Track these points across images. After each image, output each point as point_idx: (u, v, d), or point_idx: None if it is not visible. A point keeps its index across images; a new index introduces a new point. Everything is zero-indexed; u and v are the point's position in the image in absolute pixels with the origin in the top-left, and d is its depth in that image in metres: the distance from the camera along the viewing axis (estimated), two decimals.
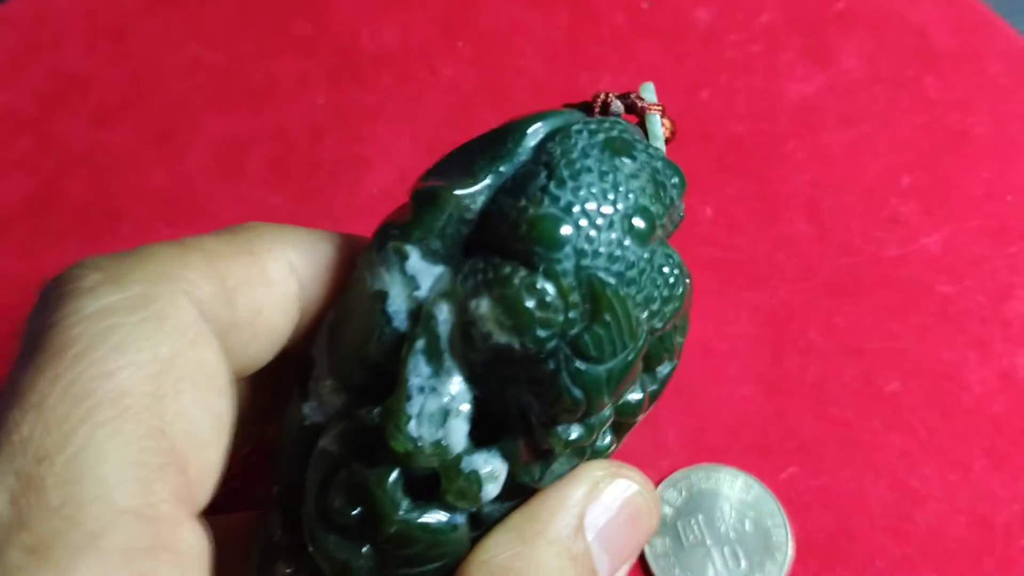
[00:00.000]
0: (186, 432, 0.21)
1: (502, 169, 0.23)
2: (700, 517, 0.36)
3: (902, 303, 0.40)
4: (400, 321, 0.23)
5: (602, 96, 0.26)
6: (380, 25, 0.49)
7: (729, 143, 0.44)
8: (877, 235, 0.41)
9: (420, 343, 0.23)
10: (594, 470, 0.25)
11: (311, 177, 0.45)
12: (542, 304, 0.22)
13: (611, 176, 0.23)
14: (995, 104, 0.44)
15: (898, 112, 0.44)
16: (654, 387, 0.26)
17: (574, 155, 0.23)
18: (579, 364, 0.22)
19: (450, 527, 0.24)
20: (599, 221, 0.22)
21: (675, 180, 0.24)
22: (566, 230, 0.22)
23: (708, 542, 0.35)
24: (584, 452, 0.25)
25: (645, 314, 0.23)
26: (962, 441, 0.37)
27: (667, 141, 0.26)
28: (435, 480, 0.23)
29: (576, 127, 0.24)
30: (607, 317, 0.22)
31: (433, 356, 0.23)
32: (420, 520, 0.23)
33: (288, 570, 0.25)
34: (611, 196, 0.22)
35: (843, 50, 0.46)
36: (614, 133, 0.24)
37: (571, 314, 0.22)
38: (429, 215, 0.23)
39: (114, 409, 0.20)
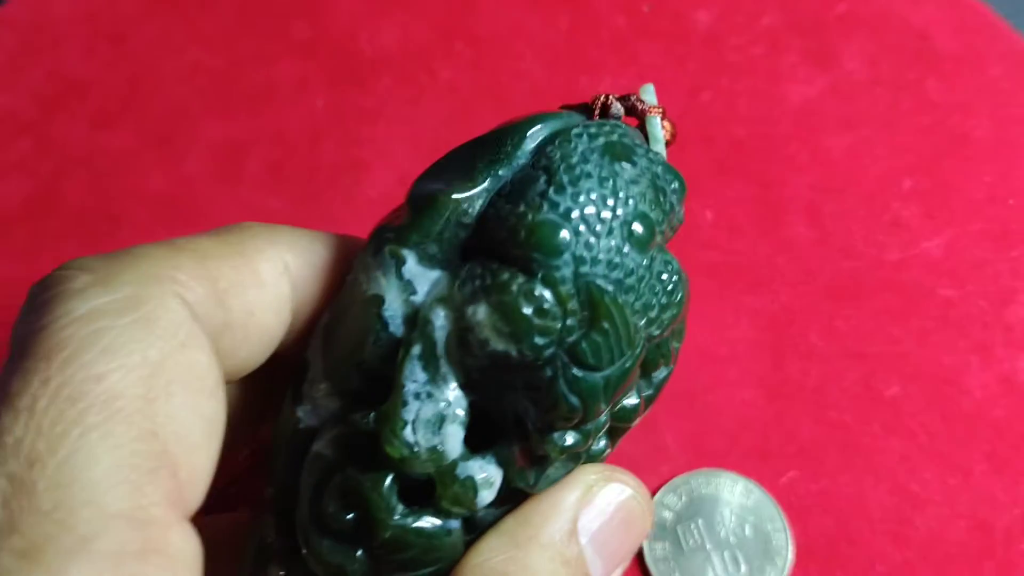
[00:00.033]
0: (177, 435, 0.21)
1: (501, 173, 0.23)
2: (700, 522, 0.36)
3: (903, 307, 0.39)
4: (396, 326, 0.23)
5: (602, 98, 0.26)
6: (379, 28, 0.49)
7: (730, 146, 0.44)
8: (878, 239, 0.41)
9: (416, 349, 0.22)
10: (587, 474, 0.25)
11: (310, 180, 0.45)
12: (540, 311, 0.21)
13: (611, 182, 0.22)
14: (997, 107, 0.44)
15: (900, 115, 0.44)
16: (650, 392, 0.26)
17: (574, 160, 0.23)
18: (576, 371, 0.22)
19: (444, 532, 0.24)
20: (598, 228, 0.22)
21: (675, 185, 0.24)
22: (565, 237, 0.22)
23: (708, 547, 0.35)
24: (579, 457, 0.25)
25: (643, 321, 0.23)
26: (962, 445, 0.37)
27: (667, 144, 0.26)
28: (430, 485, 0.23)
29: (576, 131, 0.23)
30: (605, 325, 0.22)
31: (429, 362, 0.22)
32: (415, 525, 0.23)
33: (281, 573, 0.25)
34: (611, 202, 0.22)
35: (844, 53, 0.46)
36: (614, 137, 0.23)
37: (569, 321, 0.22)
38: (427, 219, 0.23)
39: (105, 412, 0.20)
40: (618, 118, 0.25)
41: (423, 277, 0.23)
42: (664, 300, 0.23)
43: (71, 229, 0.44)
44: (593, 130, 0.23)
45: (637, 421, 0.25)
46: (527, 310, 0.21)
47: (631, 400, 0.25)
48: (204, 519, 0.22)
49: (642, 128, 0.26)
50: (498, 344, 0.22)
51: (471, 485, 0.23)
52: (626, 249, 0.22)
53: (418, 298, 0.23)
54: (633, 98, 0.26)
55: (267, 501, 0.26)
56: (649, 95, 0.26)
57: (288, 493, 0.25)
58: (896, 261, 0.40)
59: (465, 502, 0.23)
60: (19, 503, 0.19)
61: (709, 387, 0.38)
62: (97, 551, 0.19)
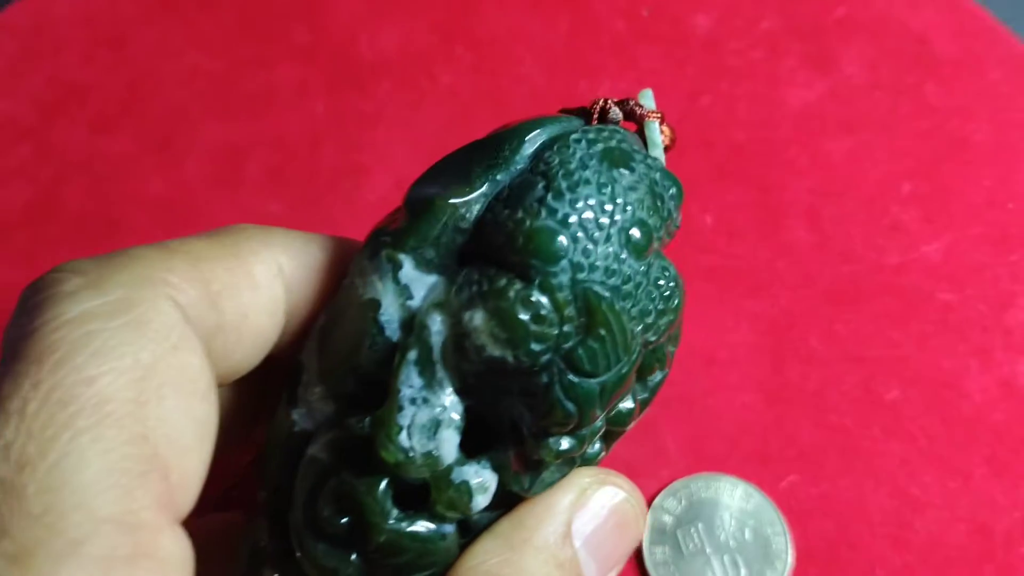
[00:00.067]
0: (168, 438, 0.21)
1: (499, 177, 0.23)
2: (700, 526, 0.36)
3: (903, 311, 0.39)
4: (392, 331, 0.23)
5: (600, 102, 0.26)
6: (379, 32, 0.49)
7: (730, 150, 0.44)
8: (878, 243, 0.41)
9: (412, 354, 0.22)
10: (582, 478, 0.25)
11: (310, 185, 0.45)
12: (537, 318, 0.21)
13: (609, 188, 0.22)
14: (996, 111, 0.44)
15: (899, 119, 0.44)
16: (645, 395, 0.25)
17: (572, 166, 0.22)
18: (572, 377, 0.22)
19: (439, 536, 0.24)
20: (596, 234, 0.22)
21: (673, 191, 0.24)
22: (563, 243, 0.22)
23: (708, 551, 0.35)
24: (574, 461, 0.25)
25: (640, 327, 0.23)
26: (962, 449, 0.37)
27: (666, 149, 0.26)
28: (425, 490, 0.23)
29: (574, 136, 0.23)
30: (602, 331, 0.22)
31: (425, 367, 0.22)
32: (409, 529, 0.23)
33: None
34: (609, 209, 0.22)
35: (844, 57, 0.46)
36: (612, 143, 0.23)
37: (566, 328, 0.22)
38: (424, 223, 0.23)
39: (96, 415, 0.20)
40: (616, 123, 0.25)
41: (420, 282, 0.23)
42: (661, 306, 0.23)
43: (71, 234, 0.44)
44: (591, 135, 0.23)
45: (632, 425, 0.25)
46: (524, 316, 0.21)
47: (627, 404, 0.25)
48: (197, 521, 0.22)
49: (641, 133, 0.26)
50: (494, 350, 0.22)
51: (466, 490, 0.23)
52: (624, 255, 0.22)
53: (415, 303, 0.23)
54: (632, 103, 0.26)
55: (261, 504, 0.26)
56: (648, 100, 0.26)
57: (282, 496, 0.25)
58: (896, 265, 0.40)
59: (460, 507, 0.23)
60: (9, 507, 0.19)
61: (709, 391, 0.38)
62: (87, 555, 0.19)
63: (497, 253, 0.22)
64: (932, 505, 0.36)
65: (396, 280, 0.23)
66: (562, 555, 0.25)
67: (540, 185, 0.22)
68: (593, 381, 0.22)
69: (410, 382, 0.22)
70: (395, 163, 0.45)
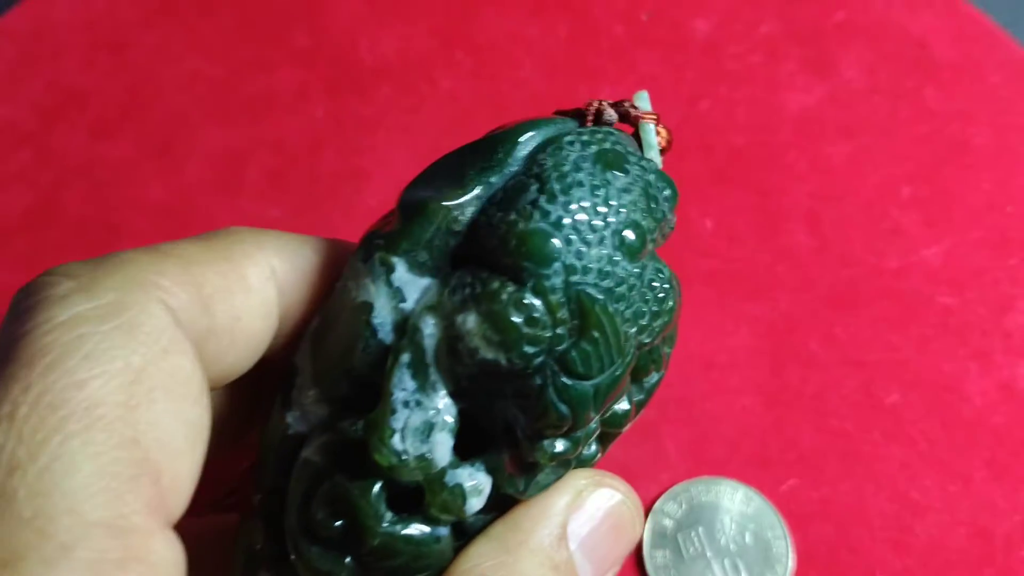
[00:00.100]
0: (159, 441, 0.21)
1: (492, 180, 0.23)
2: (700, 529, 0.36)
3: (902, 315, 0.39)
4: (385, 333, 0.23)
5: (595, 104, 0.26)
6: (379, 37, 0.49)
7: (729, 154, 0.44)
8: (877, 246, 0.41)
9: (405, 357, 0.22)
10: (577, 480, 0.25)
11: (310, 189, 0.45)
12: (530, 320, 0.21)
13: (603, 191, 0.22)
14: (995, 115, 0.44)
15: (898, 123, 0.44)
16: (640, 397, 0.25)
17: (566, 168, 0.22)
18: (566, 380, 0.22)
19: (433, 539, 0.24)
20: (590, 237, 0.22)
21: (667, 193, 0.24)
22: (556, 246, 0.22)
23: (708, 554, 0.35)
24: (569, 464, 0.25)
25: (634, 329, 0.23)
26: (962, 453, 0.36)
27: (663, 150, 0.26)
28: (419, 492, 0.23)
29: (568, 138, 0.23)
30: (595, 334, 0.22)
31: (418, 370, 0.22)
32: (404, 532, 0.23)
33: None
34: (602, 211, 0.22)
35: (843, 61, 0.46)
36: (607, 145, 0.23)
37: (559, 330, 0.22)
38: (417, 226, 0.23)
39: (86, 419, 0.20)
40: (611, 124, 0.25)
41: (413, 285, 0.23)
42: (655, 308, 0.23)
43: (71, 239, 0.44)
44: (585, 137, 0.23)
45: (628, 426, 0.25)
46: (517, 319, 0.21)
47: (622, 406, 0.25)
48: (192, 523, 0.22)
49: (636, 135, 0.26)
50: (488, 353, 0.22)
51: (460, 492, 0.23)
52: (617, 258, 0.22)
53: (408, 305, 0.23)
54: (627, 104, 0.26)
55: (255, 507, 0.26)
56: (643, 102, 0.26)
57: (277, 499, 0.25)
58: (895, 269, 0.40)
59: (454, 509, 0.23)
60: None
61: (709, 395, 0.38)
62: (77, 559, 0.19)
63: (490, 256, 0.22)
64: (932, 509, 0.36)
65: (389, 283, 0.23)
66: (557, 557, 0.24)
67: (533, 187, 0.22)
68: (587, 383, 0.22)
69: (403, 385, 0.22)
70: (395, 167, 0.45)
